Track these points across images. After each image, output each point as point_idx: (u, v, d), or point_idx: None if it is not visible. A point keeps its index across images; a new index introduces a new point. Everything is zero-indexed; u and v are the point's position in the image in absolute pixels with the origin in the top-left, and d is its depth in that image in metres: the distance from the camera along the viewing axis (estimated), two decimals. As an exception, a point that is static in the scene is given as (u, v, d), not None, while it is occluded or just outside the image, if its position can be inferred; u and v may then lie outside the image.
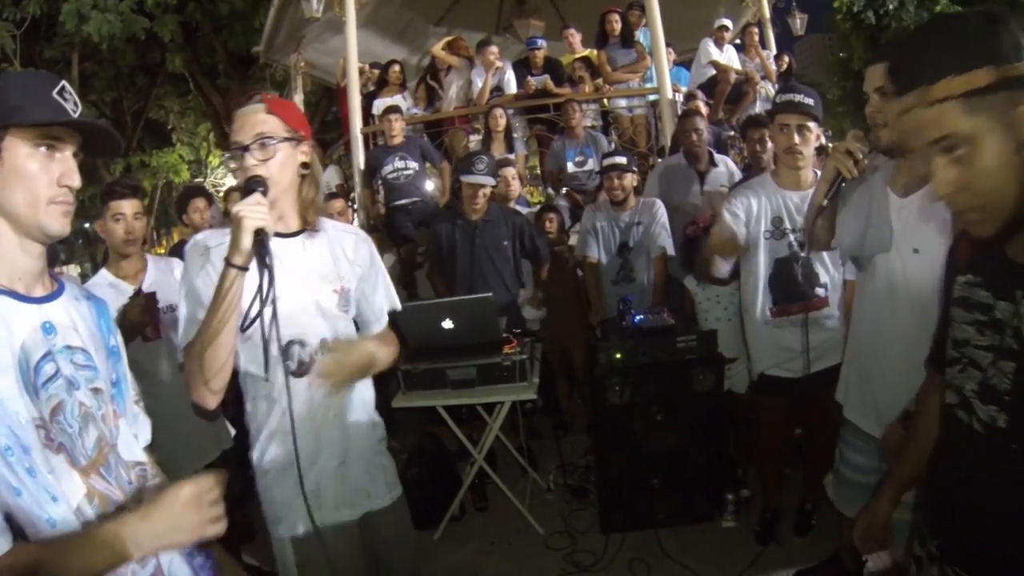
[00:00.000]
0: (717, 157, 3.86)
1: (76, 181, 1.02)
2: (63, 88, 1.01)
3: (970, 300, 1.04)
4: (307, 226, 1.51)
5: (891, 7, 11.28)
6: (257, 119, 1.40)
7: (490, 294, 2.82)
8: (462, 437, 3.00)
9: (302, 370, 1.46)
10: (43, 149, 0.99)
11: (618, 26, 5.66)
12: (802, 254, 2.38)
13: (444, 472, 3.21)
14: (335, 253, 1.55)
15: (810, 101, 2.29)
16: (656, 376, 2.74)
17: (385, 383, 2.89)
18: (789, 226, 2.40)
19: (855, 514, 2.01)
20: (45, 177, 0.99)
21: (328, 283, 1.52)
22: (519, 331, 3.04)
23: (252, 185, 1.33)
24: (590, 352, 3.07)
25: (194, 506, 0.99)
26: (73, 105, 1.01)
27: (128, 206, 2.32)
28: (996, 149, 0.88)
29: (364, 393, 1.64)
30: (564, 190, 4.84)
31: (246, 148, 1.38)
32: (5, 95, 0.97)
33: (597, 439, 3.03)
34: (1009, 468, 0.95)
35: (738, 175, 3.75)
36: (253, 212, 1.26)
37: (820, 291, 2.40)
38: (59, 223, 1.01)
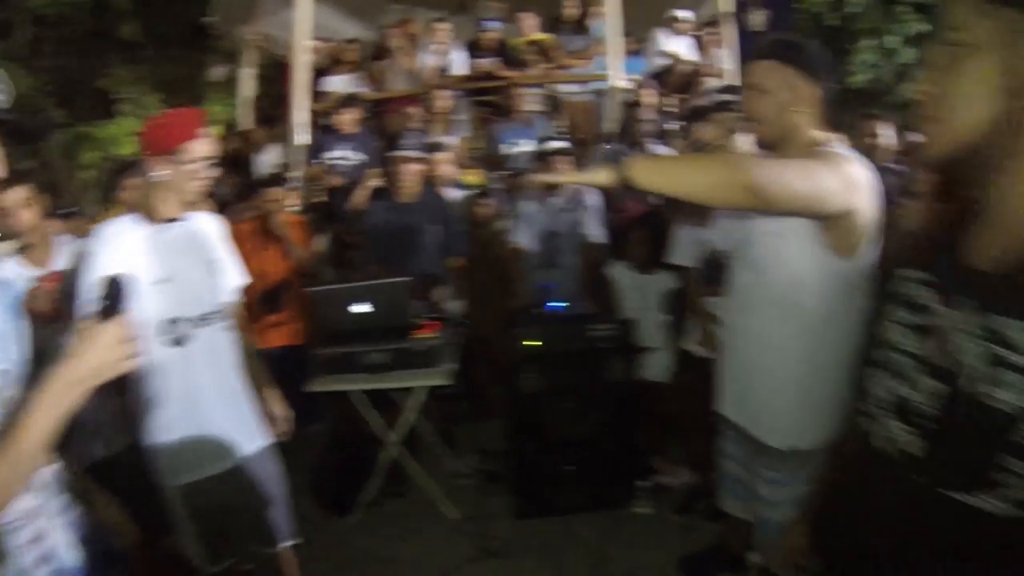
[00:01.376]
0: (653, 147, 3.87)
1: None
2: None
3: (903, 296, 0.93)
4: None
5: (854, 11, 11.49)
6: None
7: (407, 278, 2.78)
8: (374, 423, 2.97)
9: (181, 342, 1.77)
10: None
11: (575, 11, 5.62)
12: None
13: (361, 458, 3.17)
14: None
15: (731, 97, 2.40)
16: (570, 364, 2.75)
17: (302, 367, 2.90)
18: None
19: (731, 508, 2.08)
20: None
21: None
22: (442, 316, 3.01)
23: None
24: (510, 338, 3.05)
25: (116, 341, 1.01)
26: None
27: (8, 198, 2.26)
28: (987, 63, 0.78)
29: (228, 357, 1.91)
30: (501, 173, 4.79)
31: None
32: None
33: (510, 426, 3.04)
34: (906, 502, 0.86)
35: None
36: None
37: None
38: None
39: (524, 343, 2.74)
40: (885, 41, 11.20)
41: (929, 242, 0.97)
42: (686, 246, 2.68)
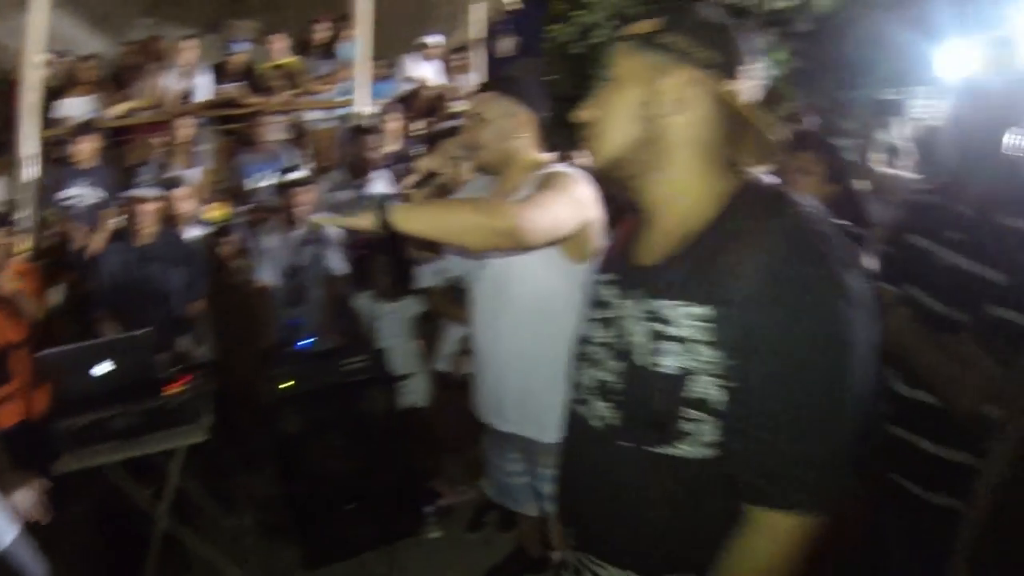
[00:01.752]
0: (378, 175, 4.01)
1: None
2: None
3: (596, 297, 1.09)
4: None
5: (599, 41, 12.84)
6: None
7: (149, 329, 2.55)
8: (138, 495, 2.66)
9: None
10: None
11: (324, 35, 5.53)
12: None
13: (131, 535, 2.75)
14: None
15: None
16: (328, 400, 2.68)
17: (45, 444, 2.49)
18: None
19: (524, 509, 2.16)
20: None
21: None
22: (190, 365, 2.82)
23: None
24: (265, 380, 2.91)
25: None
26: None
27: None
28: (628, 95, 0.96)
29: None
30: (246, 207, 4.53)
31: None
32: None
33: (279, 472, 2.90)
34: (619, 463, 0.98)
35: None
36: None
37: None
38: None
39: (279, 384, 2.63)
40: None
41: (613, 247, 1.14)
42: (429, 271, 2.71)
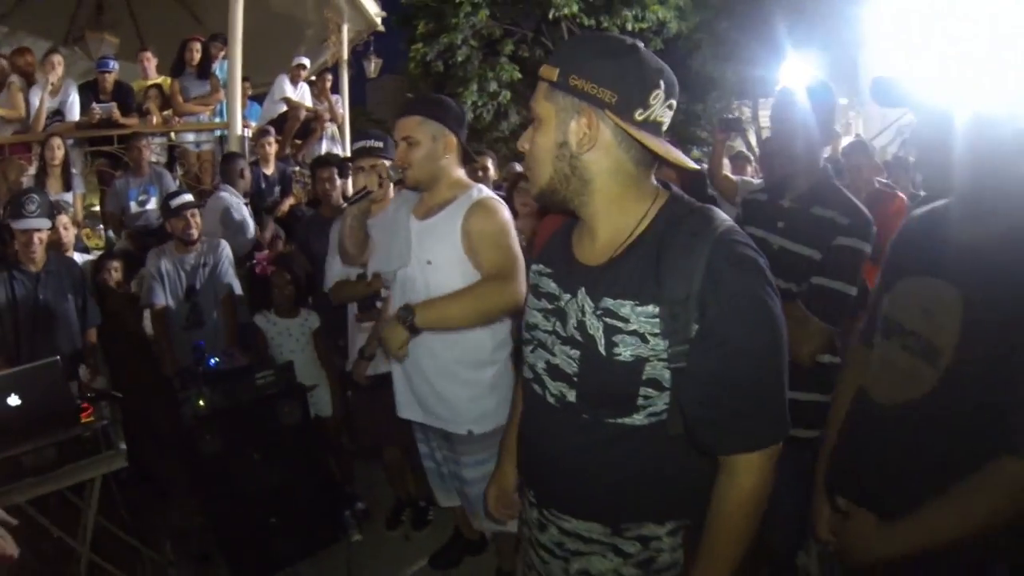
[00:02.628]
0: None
1: None
2: None
3: (539, 288, 1.21)
4: None
5: (459, 59, 13.25)
6: None
7: (56, 358, 2.45)
8: (62, 535, 2.43)
9: None
10: None
11: (198, 55, 5.43)
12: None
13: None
14: None
15: (380, 144, 2.58)
16: (243, 417, 2.71)
17: None
18: None
19: (446, 500, 2.33)
20: None
21: None
22: (92, 394, 2.69)
23: None
24: (172, 405, 2.91)
25: None
26: None
27: None
28: (545, 137, 1.08)
29: None
30: (125, 232, 4.43)
31: None
32: None
33: (201, 496, 2.87)
34: (580, 431, 1.12)
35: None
36: None
37: (379, 303, 2.64)
38: None
39: (194, 405, 2.61)
40: (487, 86, 13.27)
41: (551, 243, 1.26)
42: (335, 271, 2.80)
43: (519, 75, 13.48)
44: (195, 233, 3.34)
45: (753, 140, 12.20)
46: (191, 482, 3.10)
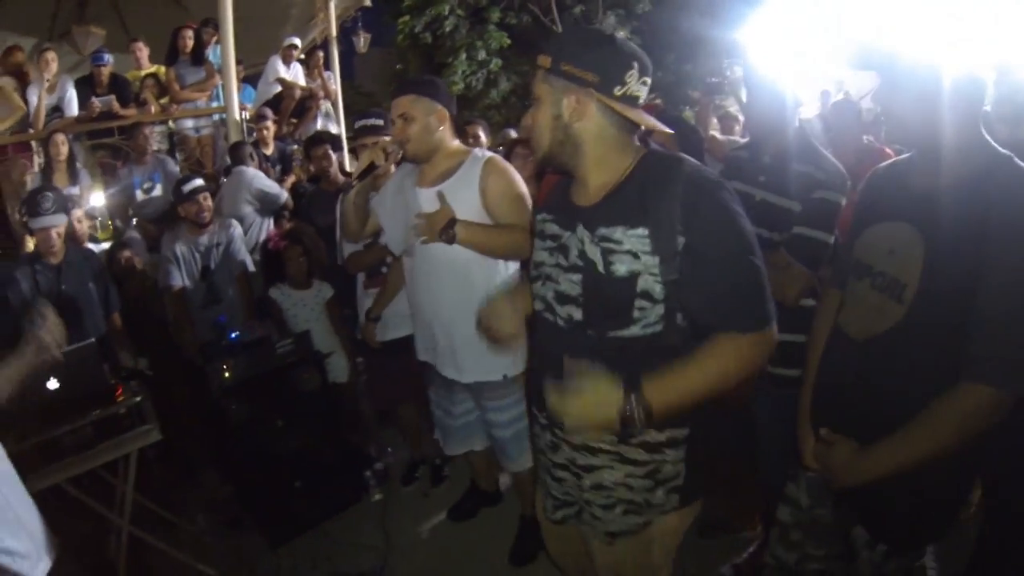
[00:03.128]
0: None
1: None
2: None
3: (544, 232, 1.44)
4: None
5: (447, 29, 13.13)
6: None
7: (92, 340, 2.59)
8: (102, 510, 2.56)
9: None
10: None
11: (191, 43, 5.46)
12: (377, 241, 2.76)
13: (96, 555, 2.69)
14: None
15: (380, 122, 2.72)
16: (267, 386, 2.83)
17: None
18: None
19: (460, 448, 2.52)
20: None
21: None
22: (125, 373, 2.88)
23: None
24: (200, 379, 2.99)
25: None
26: None
27: None
28: (544, 113, 1.32)
29: None
30: (135, 221, 4.54)
31: None
32: None
33: (229, 465, 3.01)
34: (588, 347, 1.30)
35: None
36: None
37: (384, 269, 2.83)
38: None
39: (220, 377, 2.74)
40: (476, 54, 13.16)
41: (551, 196, 1.50)
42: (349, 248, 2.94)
43: (508, 41, 13.36)
44: (207, 216, 3.45)
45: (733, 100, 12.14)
46: (218, 453, 3.23)
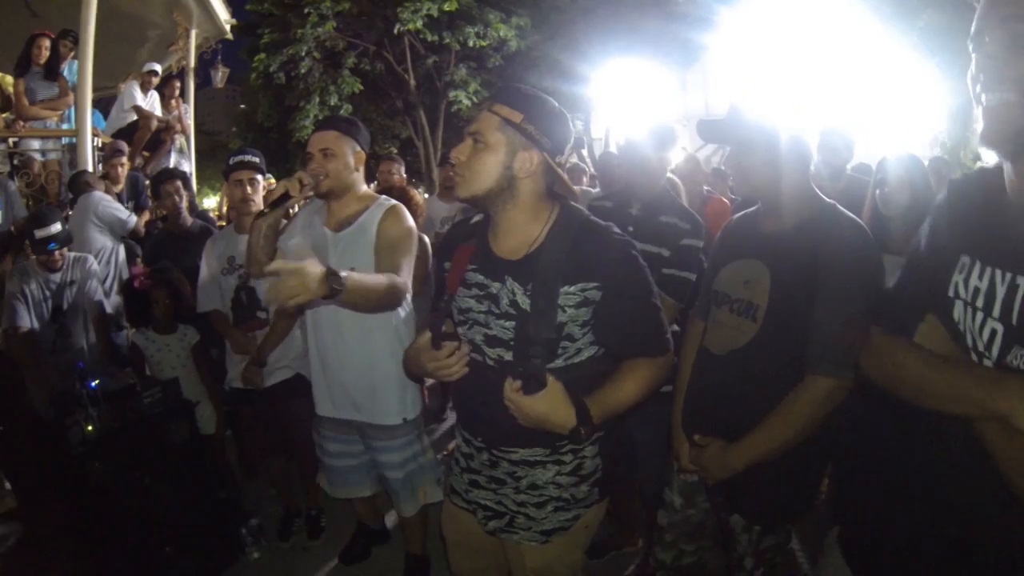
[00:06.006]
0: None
1: None
2: None
3: (468, 281, 1.53)
4: None
5: (302, 71, 12.99)
6: None
7: None
8: None
9: None
10: None
11: (46, 53, 4.91)
12: (249, 284, 2.76)
13: None
14: None
15: (256, 159, 2.73)
16: (132, 438, 2.59)
17: None
18: (240, 262, 2.72)
19: (360, 491, 2.50)
20: None
21: None
22: None
23: None
24: (49, 434, 2.75)
25: None
26: None
27: None
28: (494, 159, 1.42)
29: None
30: None
31: None
32: None
33: (86, 533, 2.66)
34: (526, 379, 1.42)
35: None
36: None
37: (261, 314, 2.78)
38: None
39: (82, 431, 2.48)
40: (328, 99, 13.15)
41: (475, 249, 1.56)
42: (211, 295, 2.88)
43: (360, 87, 13.56)
44: (59, 264, 3.16)
45: (585, 153, 13.08)
46: (76, 518, 2.86)
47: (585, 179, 5.32)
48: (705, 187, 4.12)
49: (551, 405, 1.40)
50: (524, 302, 1.44)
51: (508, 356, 1.47)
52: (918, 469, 1.08)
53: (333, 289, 1.58)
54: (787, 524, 1.71)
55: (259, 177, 2.77)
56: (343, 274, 1.63)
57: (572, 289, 1.43)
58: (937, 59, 6.95)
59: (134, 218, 4.09)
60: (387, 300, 1.96)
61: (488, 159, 1.43)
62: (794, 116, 1.57)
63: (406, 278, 2.04)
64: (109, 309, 3.31)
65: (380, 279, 1.92)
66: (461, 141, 1.48)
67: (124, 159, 4.64)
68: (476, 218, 1.62)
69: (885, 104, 8.35)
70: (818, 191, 1.62)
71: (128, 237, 4.16)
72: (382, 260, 2.11)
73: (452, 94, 13.77)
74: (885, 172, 2.43)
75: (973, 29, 0.95)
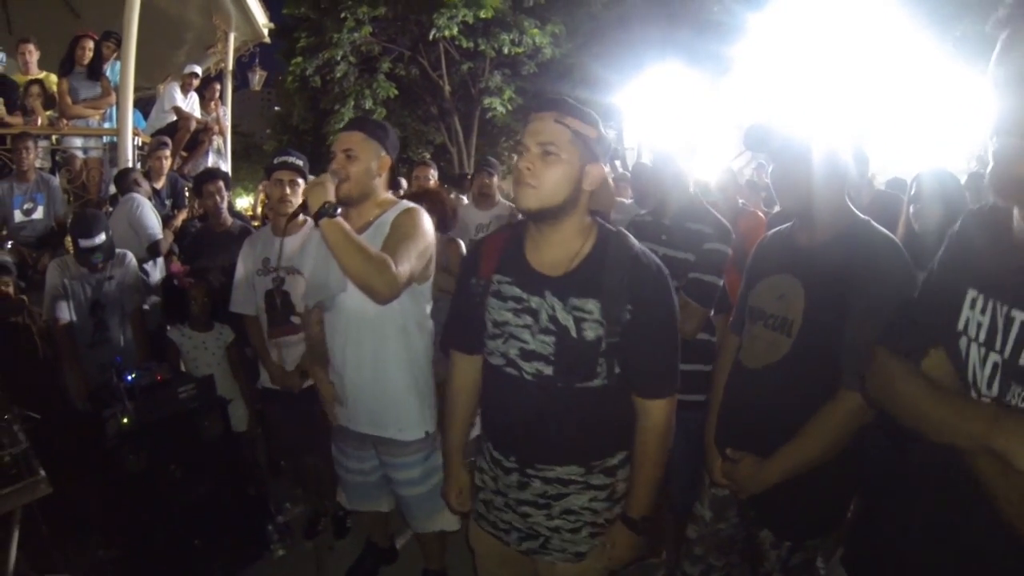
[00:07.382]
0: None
1: None
2: None
3: (503, 293, 1.53)
4: None
5: (338, 75, 13.15)
6: None
7: None
8: None
9: None
10: None
11: (90, 54, 5.03)
12: (283, 287, 2.76)
13: None
14: None
15: (300, 162, 2.73)
16: (166, 432, 2.63)
17: None
18: (275, 264, 2.75)
19: (375, 506, 2.44)
20: None
21: None
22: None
23: None
24: (86, 425, 2.77)
25: None
26: None
27: None
28: (569, 171, 1.41)
29: None
30: (10, 244, 4.05)
31: None
32: None
33: (121, 520, 2.72)
34: (555, 398, 1.48)
35: None
36: None
37: (295, 319, 2.77)
38: None
39: (118, 423, 2.51)
40: (363, 103, 13.27)
41: (504, 260, 1.57)
42: (245, 295, 2.88)
43: (396, 92, 13.63)
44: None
45: (618, 163, 13.05)
46: (109, 507, 2.92)
47: (629, 191, 5.28)
48: (740, 200, 4.08)
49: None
50: (564, 318, 1.46)
51: (548, 371, 1.48)
52: (928, 500, 1.07)
53: (330, 205, 1.73)
54: (816, 539, 1.69)
55: (300, 180, 2.77)
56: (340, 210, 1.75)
57: (602, 304, 1.46)
58: (977, 68, 6.80)
59: (160, 235, 4.07)
60: (374, 269, 1.77)
61: (563, 171, 1.42)
62: (835, 128, 1.56)
63: (402, 268, 1.86)
64: (146, 304, 3.36)
65: (372, 248, 1.83)
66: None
67: (167, 151, 4.71)
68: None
69: (923, 117, 8.18)
70: (852, 207, 1.60)
71: (147, 251, 4.03)
72: (386, 246, 1.95)
73: (487, 100, 13.81)
74: (919, 187, 2.42)
75: (990, 68, 0.94)
